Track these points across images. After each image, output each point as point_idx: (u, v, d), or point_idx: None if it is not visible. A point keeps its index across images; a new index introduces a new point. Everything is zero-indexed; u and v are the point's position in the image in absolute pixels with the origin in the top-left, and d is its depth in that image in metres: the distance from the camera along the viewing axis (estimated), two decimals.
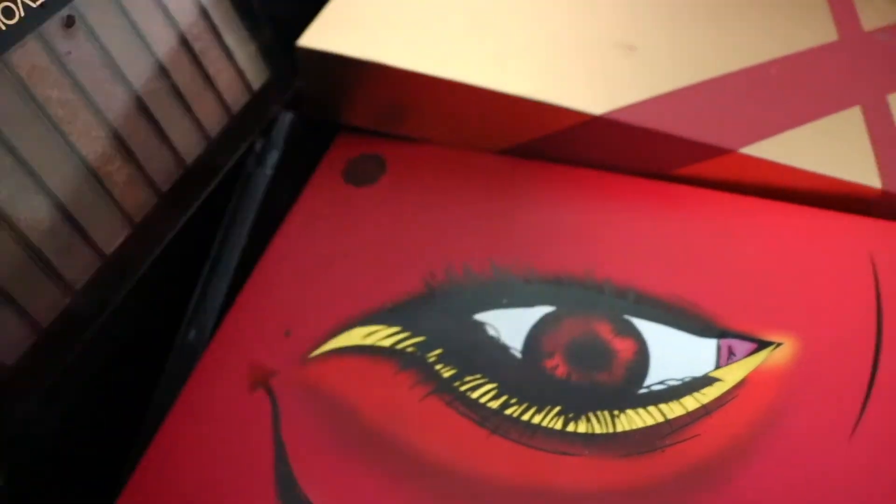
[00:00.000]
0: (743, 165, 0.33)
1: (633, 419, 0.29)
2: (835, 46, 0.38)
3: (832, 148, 0.34)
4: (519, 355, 0.30)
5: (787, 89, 0.36)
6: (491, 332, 0.31)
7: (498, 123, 0.35)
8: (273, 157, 0.37)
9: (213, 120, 0.33)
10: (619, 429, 0.29)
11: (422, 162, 0.37)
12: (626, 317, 0.31)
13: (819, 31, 0.39)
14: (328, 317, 0.32)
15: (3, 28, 0.25)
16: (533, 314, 0.31)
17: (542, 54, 0.36)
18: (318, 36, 0.37)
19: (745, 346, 0.30)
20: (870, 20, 0.40)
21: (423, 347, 0.31)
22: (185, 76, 0.32)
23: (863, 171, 0.33)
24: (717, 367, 0.30)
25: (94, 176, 0.29)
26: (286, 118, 0.38)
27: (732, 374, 0.29)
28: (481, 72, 0.35)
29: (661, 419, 0.29)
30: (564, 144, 0.35)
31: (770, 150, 0.33)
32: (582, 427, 0.29)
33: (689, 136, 0.34)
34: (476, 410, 0.29)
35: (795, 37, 0.38)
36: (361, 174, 0.36)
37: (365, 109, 0.38)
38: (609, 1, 0.39)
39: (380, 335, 0.31)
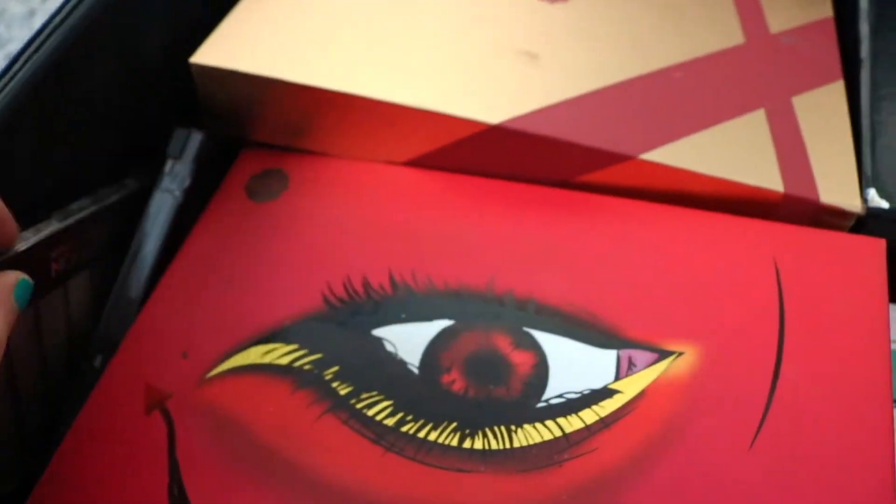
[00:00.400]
0: (644, 172, 0.33)
1: (531, 434, 0.28)
2: (741, 49, 0.38)
3: (735, 152, 0.33)
4: (416, 371, 0.30)
5: (690, 93, 0.35)
6: (389, 347, 0.30)
7: (398, 135, 0.35)
8: (183, 179, 0.36)
9: None
10: (517, 444, 0.28)
11: (324, 176, 0.36)
12: (526, 329, 0.30)
13: (725, 35, 0.38)
14: (226, 336, 0.31)
15: None
16: (431, 328, 0.31)
17: (443, 65, 0.36)
18: (213, 52, 0.36)
19: (645, 357, 0.29)
20: (778, 22, 0.39)
21: (321, 365, 0.30)
22: None
23: (766, 176, 0.33)
24: (617, 378, 0.29)
25: None
26: (196, 138, 0.37)
27: (632, 386, 0.29)
28: (379, 84, 0.35)
29: (558, 433, 0.28)
30: (465, 154, 0.35)
31: (671, 156, 0.33)
32: (479, 443, 0.28)
33: (588, 143, 0.33)
34: (372, 428, 0.29)
35: (701, 40, 0.38)
36: (263, 190, 0.36)
37: (266, 125, 0.38)
38: (511, 11, 0.39)
39: (277, 353, 0.31)
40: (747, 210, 0.33)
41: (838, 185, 0.32)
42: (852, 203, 0.32)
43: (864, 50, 0.38)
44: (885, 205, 0.33)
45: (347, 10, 0.38)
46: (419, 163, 0.36)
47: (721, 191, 0.32)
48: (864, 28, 0.39)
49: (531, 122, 0.33)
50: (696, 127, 0.34)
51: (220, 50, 0.36)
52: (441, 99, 0.34)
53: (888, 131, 0.35)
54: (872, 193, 0.33)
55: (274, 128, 0.37)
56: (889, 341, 0.29)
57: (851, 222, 0.32)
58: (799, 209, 0.32)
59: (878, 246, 0.31)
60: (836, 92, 0.36)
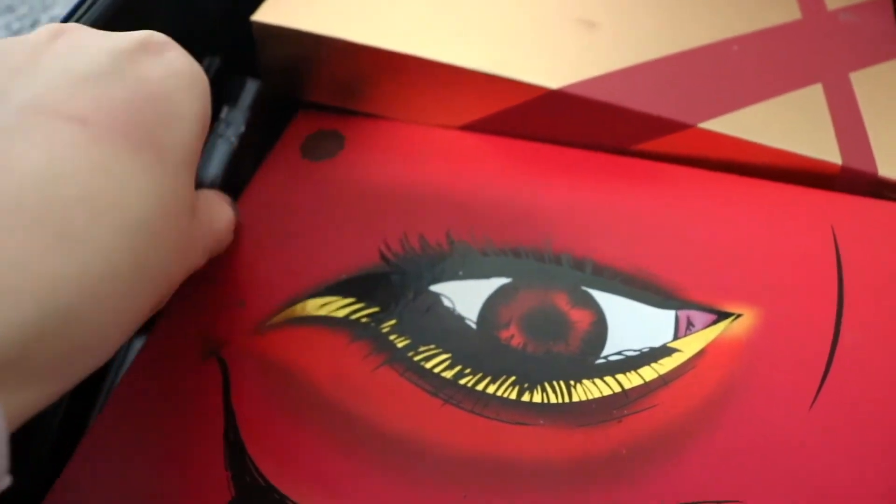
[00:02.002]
0: (702, 141, 0.33)
1: (590, 389, 0.28)
2: (798, 25, 0.38)
3: (793, 124, 0.33)
4: (474, 326, 0.30)
5: (748, 66, 0.35)
6: (446, 302, 0.30)
7: (455, 99, 0.35)
8: (238, 125, 0.37)
9: None
10: (575, 399, 0.28)
11: (380, 138, 0.36)
12: (584, 288, 0.30)
13: (782, 10, 0.38)
14: (283, 288, 0.31)
15: None
16: (489, 285, 0.31)
17: (502, 30, 0.36)
18: (274, 10, 0.36)
19: (704, 318, 0.29)
20: (834, 0, 0.40)
21: (378, 318, 0.30)
22: None
23: (824, 148, 0.33)
24: (676, 337, 0.29)
25: None
26: (251, 87, 0.37)
27: (691, 345, 0.29)
28: (439, 47, 0.35)
29: (617, 389, 0.28)
30: (523, 120, 0.35)
31: (730, 126, 0.33)
32: (537, 397, 0.28)
33: (647, 110, 0.33)
34: (429, 380, 0.29)
35: (758, 15, 0.38)
36: (319, 149, 0.36)
37: (323, 85, 0.38)
38: None
39: (334, 306, 0.31)
40: (804, 182, 0.33)
41: None
42: None
43: None
44: None
45: None
46: (475, 127, 0.36)
47: (778, 162, 0.32)
48: None
49: (590, 88, 0.34)
50: (754, 99, 0.34)
51: (280, 8, 0.36)
52: (499, 63, 0.34)
53: None
54: None
55: (332, 88, 0.37)
56: None
57: None
58: (856, 182, 0.32)
59: None
60: (894, 69, 0.36)
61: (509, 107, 0.34)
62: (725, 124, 0.33)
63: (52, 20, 0.52)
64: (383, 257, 0.32)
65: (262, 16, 0.36)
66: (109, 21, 0.32)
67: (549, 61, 0.35)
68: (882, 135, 0.33)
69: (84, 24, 0.31)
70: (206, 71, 0.34)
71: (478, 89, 0.34)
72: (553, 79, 0.34)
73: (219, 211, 0.30)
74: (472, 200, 0.33)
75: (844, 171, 0.32)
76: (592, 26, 0.36)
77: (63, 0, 0.54)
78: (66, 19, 0.32)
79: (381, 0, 0.37)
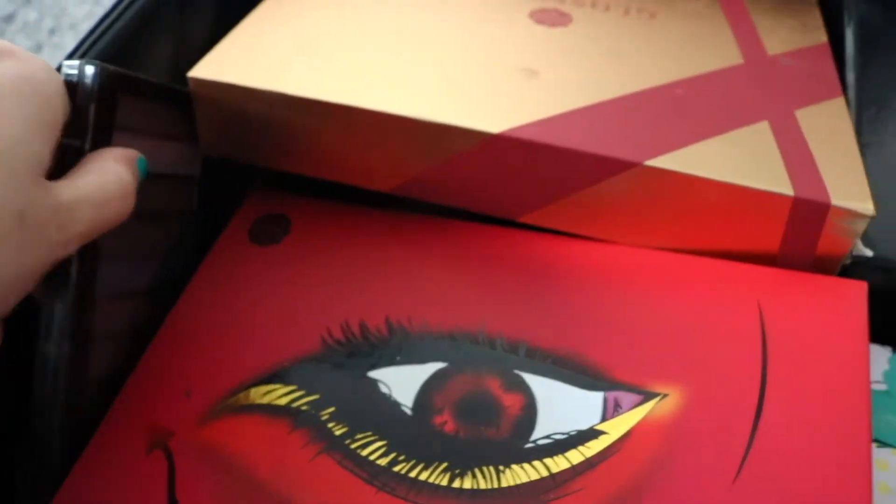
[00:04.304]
0: (650, 179, 0.33)
1: (519, 474, 0.29)
2: (740, 69, 0.39)
3: (742, 159, 0.33)
4: (410, 412, 0.31)
5: (694, 106, 0.36)
6: (383, 389, 0.31)
7: (397, 150, 0.36)
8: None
9: None
10: (505, 484, 0.29)
11: (325, 221, 0.37)
12: (517, 371, 0.31)
13: (724, 55, 0.39)
14: (228, 377, 0.32)
15: None
16: (425, 371, 0.32)
17: (442, 80, 0.37)
18: (212, 66, 0.37)
19: (631, 398, 0.30)
20: (774, 45, 0.40)
21: (317, 405, 0.31)
22: None
23: (775, 180, 0.33)
24: (604, 419, 0.30)
25: None
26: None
27: (618, 427, 0.30)
28: (376, 97, 0.35)
29: (545, 474, 0.29)
30: (464, 171, 0.35)
31: (678, 162, 0.33)
32: (468, 483, 0.29)
33: (592, 150, 0.33)
34: (365, 468, 0.30)
35: (700, 60, 0.39)
36: (266, 234, 0.37)
37: (260, 144, 0.38)
38: (511, 32, 0.40)
39: (276, 394, 0.32)
40: (756, 217, 0.33)
41: (848, 188, 0.32)
42: (864, 206, 0.32)
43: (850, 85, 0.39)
44: (868, 253, 0.33)
45: (349, 26, 0.39)
46: (418, 182, 0.36)
47: (729, 197, 0.33)
48: (850, 68, 0.40)
49: (533, 131, 0.34)
50: (701, 136, 0.34)
51: (218, 65, 0.37)
52: (440, 111, 0.34)
53: (878, 172, 0.36)
54: (858, 242, 0.33)
55: (270, 147, 0.37)
56: (868, 382, 0.30)
57: (863, 226, 0.32)
58: (809, 213, 0.32)
59: (860, 289, 0.32)
60: (837, 107, 0.36)
61: (450, 156, 0.35)
62: (673, 161, 0.33)
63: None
64: (325, 344, 0.33)
65: (199, 71, 0.37)
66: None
67: (491, 107, 0.35)
68: (831, 166, 0.33)
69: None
70: None
71: (418, 138, 0.35)
72: (494, 123, 0.34)
73: (102, 176, 0.29)
74: (412, 283, 0.34)
75: (797, 202, 0.32)
76: (534, 74, 0.37)
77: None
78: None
79: (319, 55, 0.38)
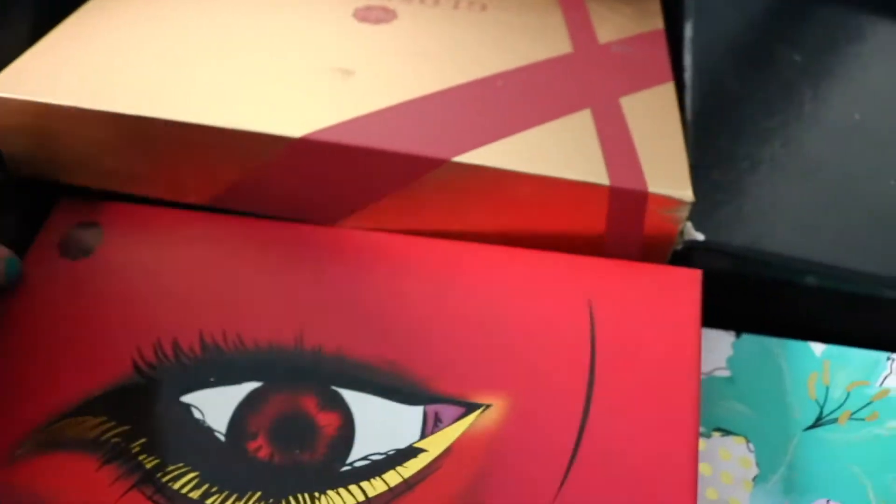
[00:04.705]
0: (460, 177, 0.32)
1: (334, 500, 0.28)
2: (568, 58, 0.37)
3: (558, 150, 0.32)
4: (223, 438, 0.29)
5: (512, 98, 0.34)
6: (196, 414, 0.29)
7: (203, 161, 0.34)
8: None
9: None
10: None
11: (138, 228, 0.35)
12: (334, 388, 0.29)
13: (553, 45, 0.37)
14: (35, 411, 0.30)
15: None
16: (239, 392, 0.30)
17: (250, 85, 0.35)
18: (8, 83, 0.34)
19: (452, 411, 0.29)
20: (607, 33, 0.39)
21: (129, 437, 0.29)
22: None
23: (591, 170, 0.31)
24: (423, 436, 0.28)
25: None
26: None
27: (437, 443, 0.28)
28: (179, 108, 0.33)
29: (361, 498, 0.28)
30: (275, 179, 0.34)
31: (488, 157, 0.32)
32: None
33: (397, 149, 0.32)
34: (177, 502, 0.28)
35: (527, 51, 0.37)
36: (77, 247, 0.35)
37: (66, 163, 0.36)
38: (329, 32, 0.38)
39: (86, 426, 0.30)
40: (574, 209, 0.32)
41: (667, 176, 0.31)
42: (683, 193, 0.31)
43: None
44: (700, 237, 0.32)
45: (158, 36, 0.37)
46: (233, 193, 0.34)
47: (544, 190, 0.31)
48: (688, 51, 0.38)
49: (337, 132, 0.32)
50: (516, 129, 0.33)
51: (15, 81, 0.34)
52: (243, 118, 0.32)
53: (707, 149, 0.34)
54: (689, 226, 0.32)
55: (76, 166, 0.35)
56: (698, 371, 0.29)
57: (685, 213, 0.31)
58: (628, 202, 0.31)
59: (694, 276, 0.31)
60: (665, 92, 0.35)
61: (259, 165, 0.33)
62: (484, 156, 0.32)
63: None
64: (137, 368, 0.31)
65: None
66: None
67: (299, 111, 0.33)
68: (652, 154, 0.32)
69: None
70: None
71: (224, 148, 0.33)
72: (298, 127, 0.32)
73: None
74: (227, 293, 0.32)
75: (614, 191, 0.31)
76: (349, 74, 0.34)
77: None
78: None
79: (127, 66, 0.35)
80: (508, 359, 0.29)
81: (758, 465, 0.31)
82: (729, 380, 0.32)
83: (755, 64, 0.39)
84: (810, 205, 0.33)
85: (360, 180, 0.32)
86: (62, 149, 0.35)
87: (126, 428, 0.30)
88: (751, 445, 0.31)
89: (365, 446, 0.28)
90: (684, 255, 0.32)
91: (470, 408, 0.29)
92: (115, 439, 0.29)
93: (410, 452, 0.28)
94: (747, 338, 0.33)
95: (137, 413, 0.30)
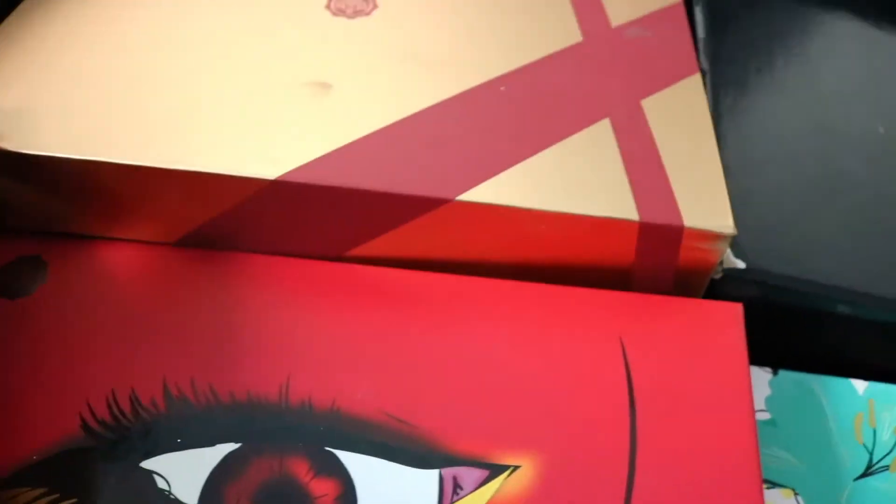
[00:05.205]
0: (465, 216, 0.27)
1: None
2: (578, 49, 0.32)
3: (576, 178, 0.28)
4: None
5: (516, 111, 0.30)
6: (161, 483, 0.24)
7: (162, 208, 0.29)
8: None
9: None
10: None
11: (89, 263, 0.29)
12: (329, 448, 0.24)
13: (560, 35, 0.33)
14: None
15: None
16: (213, 455, 0.25)
17: (210, 116, 0.29)
18: None
19: (474, 475, 0.24)
20: (619, 14, 0.34)
21: None
22: None
23: (616, 202, 0.27)
24: None
25: None
26: None
27: None
28: (133, 149, 0.28)
29: None
30: (245, 224, 0.28)
31: (495, 193, 0.27)
32: None
33: (388, 189, 0.27)
34: None
35: (530, 45, 0.32)
36: (16, 283, 0.29)
37: (13, 208, 0.30)
38: (299, 35, 0.32)
39: (22, 500, 0.24)
40: (599, 245, 0.28)
41: (704, 205, 0.27)
42: (723, 225, 0.27)
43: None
44: (740, 265, 0.28)
45: (98, 75, 0.31)
46: (203, 234, 0.29)
47: (564, 227, 0.27)
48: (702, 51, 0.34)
49: (318, 170, 0.27)
50: (527, 152, 0.28)
51: None
52: (206, 157, 0.28)
53: (739, 170, 0.30)
54: (728, 253, 0.28)
55: (27, 213, 0.30)
56: (754, 420, 0.25)
57: (726, 246, 0.28)
58: (661, 237, 0.27)
59: (735, 311, 0.27)
60: (691, 89, 0.30)
61: (226, 210, 0.28)
62: (490, 192, 0.27)
63: None
64: (86, 427, 0.25)
65: None
66: None
67: (271, 144, 0.28)
68: (685, 175, 0.28)
69: None
70: None
71: (185, 193, 0.28)
72: (271, 167, 0.27)
73: None
74: (195, 337, 0.27)
75: (644, 227, 0.27)
76: (326, 88, 0.29)
77: None
78: None
79: (59, 97, 0.30)
80: (535, 410, 0.25)
81: None
82: (770, 423, 0.29)
83: (772, 70, 0.35)
84: (847, 229, 0.30)
85: (349, 221, 0.28)
86: (10, 195, 0.29)
87: (72, 501, 0.24)
88: (799, 499, 0.28)
89: None
90: (712, 284, 0.28)
91: (495, 470, 0.24)
92: None
93: None
94: (785, 374, 0.30)
95: (87, 482, 0.25)
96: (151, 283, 0.29)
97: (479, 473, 0.24)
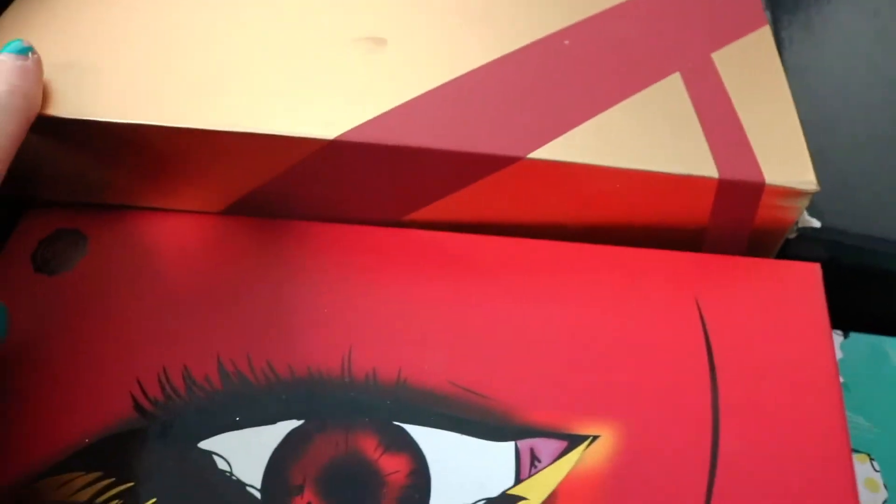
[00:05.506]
0: (536, 174, 0.26)
1: None
2: (642, 1, 0.30)
3: (649, 133, 0.27)
4: (258, 494, 0.22)
5: (582, 65, 0.29)
6: (221, 464, 0.23)
7: (211, 172, 0.27)
8: None
9: None
10: None
11: (132, 234, 0.28)
12: (397, 423, 0.23)
13: None
14: (10, 466, 0.23)
15: None
16: (275, 434, 0.23)
17: (262, 76, 0.28)
18: None
19: (551, 446, 0.23)
20: None
21: (132, 496, 0.23)
22: None
23: (693, 159, 0.26)
24: (518, 479, 0.22)
25: None
26: None
27: (538, 488, 0.23)
28: (183, 112, 0.27)
29: None
30: (302, 188, 0.27)
31: (567, 150, 0.26)
32: None
33: (455, 147, 0.26)
34: None
35: None
36: (55, 259, 0.27)
37: (56, 178, 0.29)
38: None
39: (75, 486, 0.23)
40: (674, 204, 0.26)
41: (785, 160, 0.26)
42: (806, 181, 0.26)
43: None
44: (816, 224, 0.27)
45: (141, 35, 0.30)
46: (252, 201, 0.28)
47: (639, 185, 0.26)
48: None
49: (379, 129, 0.26)
50: (597, 108, 0.27)
51: None
52: (257, 118, 0.26)
53: (810, 127, 0.29)
54: (804, 213, 0.27)
55: (68, 183, 0.29)
56: (838, 380, 0.23)
57: (806, 203, 0.26)
58: (739, 194, 0.26)
59: (813, 271, 0.25)
60: (762, 41, 0.29)
61: (282, 172, 0.26)
62: (561, 149, 0.26)
63: None
64: (138, 407, 0.24)
65: None
66: None
67: (325, 102, 0.27)
68: (762, 130, 0.27)
69: None
70: None
71: (236, 155, 0.27)
72: (329, 127, 0.26)
73: None
74: (248, 310, 0.25)
75: (724, 184, 0.26)
76: (380, 44, 0.28)
77: None
78: None
79: (108, 64, 0.29)
80: (613, 377, 0.24)
81: (886, 486, 0.26)
82: (843, 387, 0.27)
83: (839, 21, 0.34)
84: None
85: (410, 182, 0.26)
86: (51, 163, 0.28)
87: (129, 485, 0.23)
88: (875, 464, 0.26)
89: (445, 497, 0.22)
90: (783, 245, 0.27)
91: (573, 441, 0.23)
92: (115, 501, 0.22)
93: (505, 501, 0.22)
94: (856, 337, 0.29)
95: (142, 465, 0.23)
96: (198, 254, 0.27)
97: (558, 444, 0.23)
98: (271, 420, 0.24)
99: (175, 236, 0.28)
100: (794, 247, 0.27)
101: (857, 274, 0.29)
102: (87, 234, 0.28)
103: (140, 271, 0.27)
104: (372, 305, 0.26)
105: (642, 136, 0.26)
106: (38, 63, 0.27)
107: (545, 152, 0.25)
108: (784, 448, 0.23)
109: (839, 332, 0.29)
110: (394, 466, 0.23)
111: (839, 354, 0.29)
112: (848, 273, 0.29)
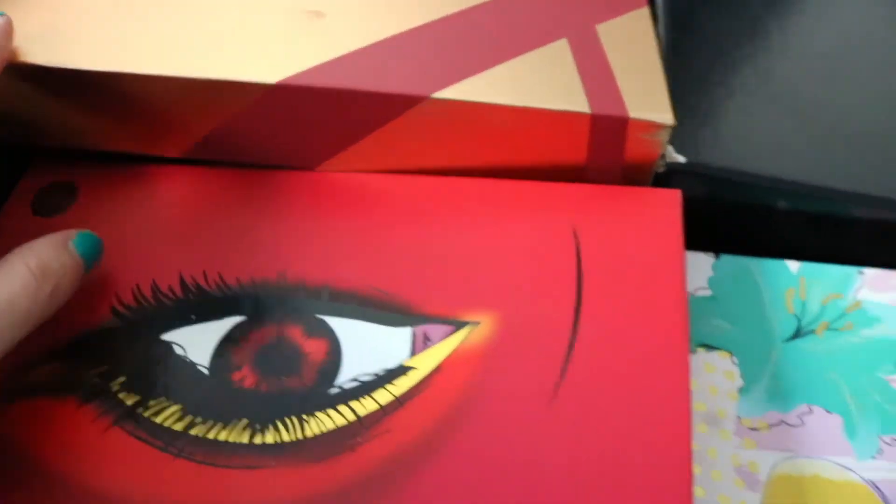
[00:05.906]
0: (440, 113, 0.31)
1: (323, 421, 0.27)
2: None
3: (537, 81, 0.32)
4: (206, 372, 0.28)
5: (486, 29, 0.34)
6: (178, 350, 0.29)
7: (172, 116, 0.33)
8: None
9: None
10: (309, 433, 0.27)
11: (115, 184, 0.34)
12: (319, 316, 0.29)
13: None
14: (13, 360, 0.29)
15: None
16: (222, 327, 0.29)
17: (215, 32, 0.34)
18: None
19: (440, 330, 0.28)
20: None
21: (107, 377, 0.29)
22: None
23: (571, 99, 0.31)
24: (413, 355, 0.28)
25: None
26: None
27: (427, 361, 0.28)
28: (143, 60, 0.32)
29: (352, 418, 0.27)
30: (249, 130, 0.33)
31: (468, 91, 0.31)
32: (270, 437, 0.27)
33: (373, 88, 0.31)
34: (160, 436, 0.27)
35: None
36: (50, 204, 0.34)
37: (40, 124, 0.35)
38: None
39: (60, 369, 0.29)
40: (556, 139, 0.32)
41: (647, 101, 0.31)
42: (664, 116, 0.31)
43: None
44: (681, 159, 0.32)
45: None
46: (208, 144, 0.34)
47: (526, 121, 0.31)
48: None
49: (312, 76, 0.32)
50: (494, 61, 0.32)
51: None
52: (211, 66, 0.32)
53: (682, 76, 0.35)
54: (670, 149, 0.32)
55: (45, 126, 0.35)
56: (685, 290, 0.29)
57: (666, 137, 0.31)
58: (610, 128, 0.31)
59: (674, 196, 0.31)
60: (641, 18, 0.35)
61: (231, 116, 0.33)
62: (463, 90, 0.31)
63: None
64: (115, 313, 0.30)
65: None
66: None
67: (269, 56, 0.32)
68: (631, 80, 0.32)
69: None
70: None
71: (195, 98, 0.32)
72: (272, 73, 0.32)
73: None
74: (206, 238, 0.32)
75: (595, 119, 0.31)
76: (319, 16, 0.34)
77: None
78: None
79: (82, 20, 0.34)
80: (495, 280, 0.29)
81: (742, 376, 0.31)
82: (711, 298, 0.33)
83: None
84: (782, 128, 0.34)
85: (338, 123, 0.32)
86: (31, 109, 0.34)
87: (104, 368, 0.29)
88: (734, 359, 0.32)
89: (353, 369, 0.28)
90: (664, 181, 0.32)
91: (459, 326, 0.28)
92: (94, 379, 0.29)
93: (400, 371, 0.28)
94: (726, 258, 0.34)
95: (116, 354, 0.29)
96: (168, 200, 0.34)
97: (446, 329, 0.29)
98: (220, 317, 0.30)
99: (150, 185, 0.34)
100: (672, 182, 0.33)
101: (730, 205, 0.34)
102: (79, 185, 0.35)
103: (118, 213, 0.33)
104: (302, 234, 0.32)
105: (530, 81, 0.31)
106: (9, 23, 0.30)
107: (444, 93, 0.31)
108: (631, 342, 0.28)
109: (712, 253, 0.34)
110: (314, 348, 0.29)
111: (710, 273, 0.34)
112: (722, 205, 0.34)
